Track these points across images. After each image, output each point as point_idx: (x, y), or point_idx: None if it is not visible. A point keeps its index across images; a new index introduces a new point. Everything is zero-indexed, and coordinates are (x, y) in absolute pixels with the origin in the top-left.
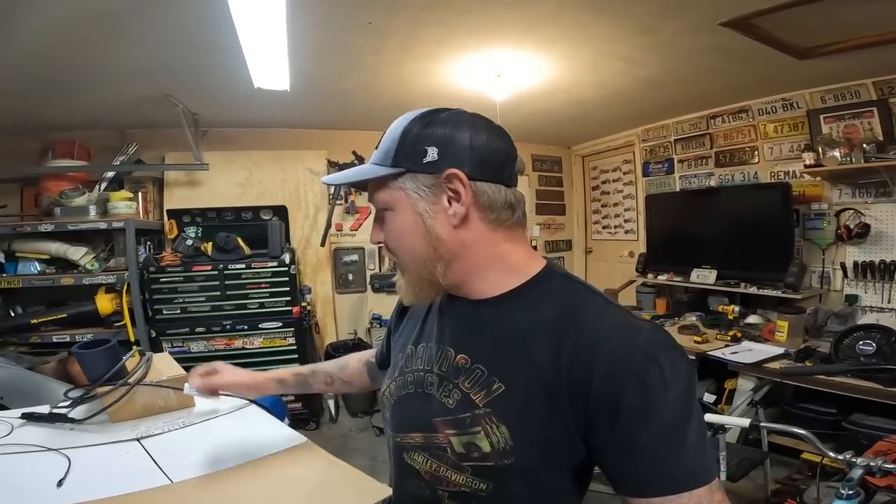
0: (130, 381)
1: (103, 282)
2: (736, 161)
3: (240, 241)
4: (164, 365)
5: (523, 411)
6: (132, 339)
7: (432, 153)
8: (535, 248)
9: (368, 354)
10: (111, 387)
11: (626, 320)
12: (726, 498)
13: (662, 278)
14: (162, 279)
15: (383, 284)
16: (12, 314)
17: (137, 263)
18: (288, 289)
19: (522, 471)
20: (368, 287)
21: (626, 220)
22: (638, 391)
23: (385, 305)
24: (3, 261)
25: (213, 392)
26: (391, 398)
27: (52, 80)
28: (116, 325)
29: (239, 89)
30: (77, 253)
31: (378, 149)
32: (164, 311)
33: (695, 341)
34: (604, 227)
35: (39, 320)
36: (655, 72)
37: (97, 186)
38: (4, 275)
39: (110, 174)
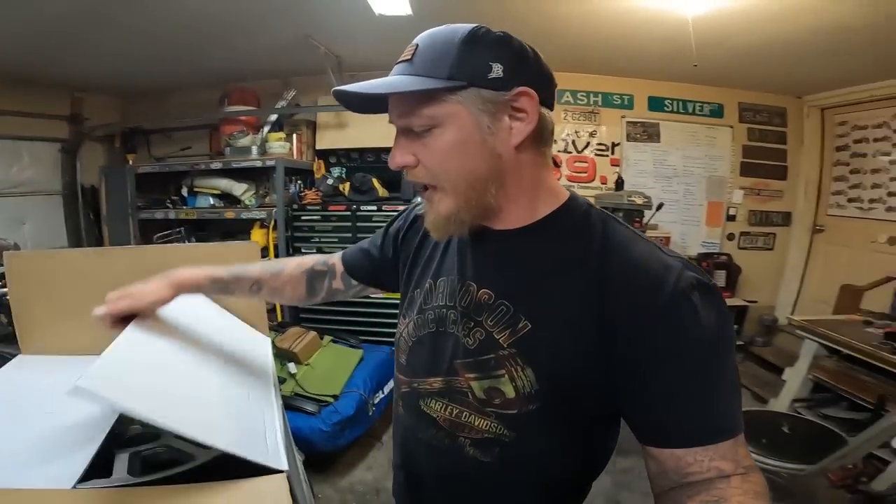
0: None
1: (257, 217)
2: None
3: (376, 182)
4: None
5: (550, 352)
6: None
7: (497, 70)
8: (733, 217)
9: (311, 261)
10: None
11: (656, 255)
12: (749, 454)
13: None
14: (303, 217)
15: None
16: (187, 243)
17: (284, 201)
18: None
19: (546, 418)
20: None
21: (890, 194)
22: (667, 331)
23: None
24: (187, 195)
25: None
26: (409, 339)
27: (209, 32)
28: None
29: (370, 21)
30: (239, 189)
31: (416, 60)
32: (303, 250)
33: None
34: (849, 201)
35: None
36: None
37: (261, 130)
38: (185, 207)
39: (273, 118)
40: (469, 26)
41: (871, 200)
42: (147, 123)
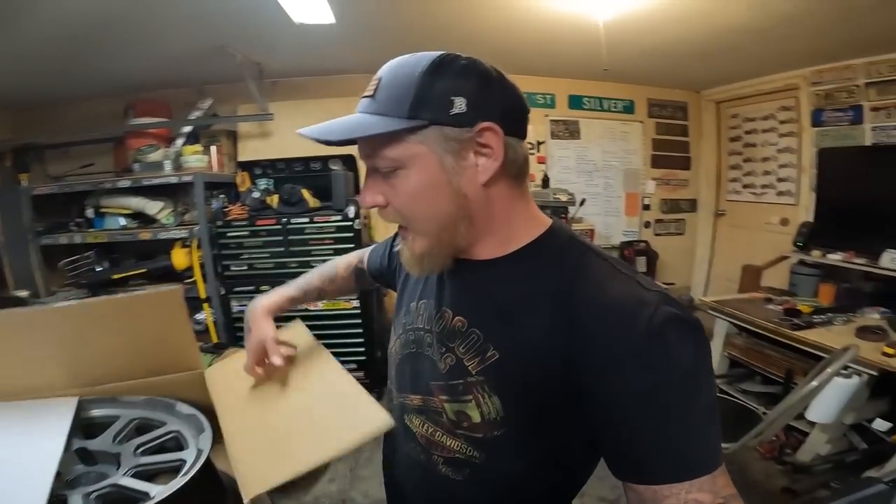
0: None
1: (177, 236)
2: None
3: (305, 193)
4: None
5: (517, 382)
6: (202, 295)
7: (460, 104)
8: (647, 207)
9: (356, 259)
10: None
11: (632, 290)
12: (730, 482)
13: (835, 258)
14: (229, 234)
15: None
16: (98, 269)
17: (206, 217)
18: (353, 245)
19: (514, 444)
20: None
21: (779, 180)
22: (640, 368)
23: None
24: (93, 216)
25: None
26: (396, 356)
27: (112, 38)
28: (188, 280)
29: (290, 30)
30: (154, 207)
31: (378, 96)
32: (232, 268)
33: (884, 353)
34: (745, 187)
35: (120, 275)
36: None
37: (174, 142)
38: (92, 229)
39: (187, 129)
40: (433, 56)
41: (763, 186)
42: (41, 138)
